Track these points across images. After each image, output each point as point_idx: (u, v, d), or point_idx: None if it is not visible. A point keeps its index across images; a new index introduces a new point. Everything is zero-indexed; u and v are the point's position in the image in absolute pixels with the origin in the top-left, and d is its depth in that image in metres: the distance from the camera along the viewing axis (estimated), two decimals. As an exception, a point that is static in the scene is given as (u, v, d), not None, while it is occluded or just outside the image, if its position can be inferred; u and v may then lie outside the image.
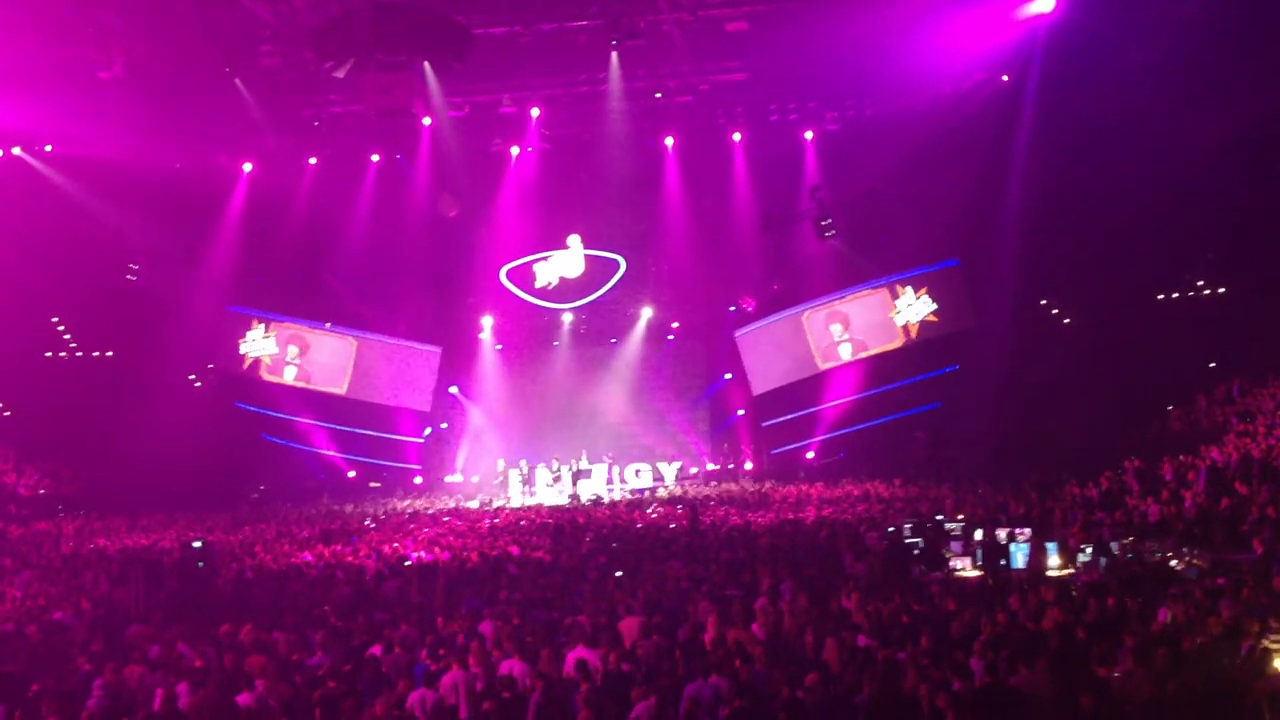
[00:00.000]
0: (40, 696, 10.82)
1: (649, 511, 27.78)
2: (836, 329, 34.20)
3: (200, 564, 19.43)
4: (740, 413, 36.39)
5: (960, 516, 21.67)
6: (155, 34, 25.34)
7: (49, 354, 36.79)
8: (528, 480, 34.36)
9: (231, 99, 28.90)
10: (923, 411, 33.11)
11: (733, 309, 36.26)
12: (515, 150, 33.44)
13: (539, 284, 36.40)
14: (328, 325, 36.63)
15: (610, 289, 36.47)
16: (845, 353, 34.10)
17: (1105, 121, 27.36)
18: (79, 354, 37.22)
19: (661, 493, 32.94)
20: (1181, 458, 23.19)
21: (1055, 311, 35.04)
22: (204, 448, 32.88)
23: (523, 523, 25.69)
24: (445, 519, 27.68)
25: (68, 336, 36.97)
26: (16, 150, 30.86)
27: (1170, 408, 29.57)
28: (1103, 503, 22.01)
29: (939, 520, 20.75)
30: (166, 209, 31.82)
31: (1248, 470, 20.81)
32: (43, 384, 33.97)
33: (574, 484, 33.14)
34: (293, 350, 36.38)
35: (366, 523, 27.32)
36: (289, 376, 36.22)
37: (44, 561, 21.79)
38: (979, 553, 18.31)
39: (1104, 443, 27.67)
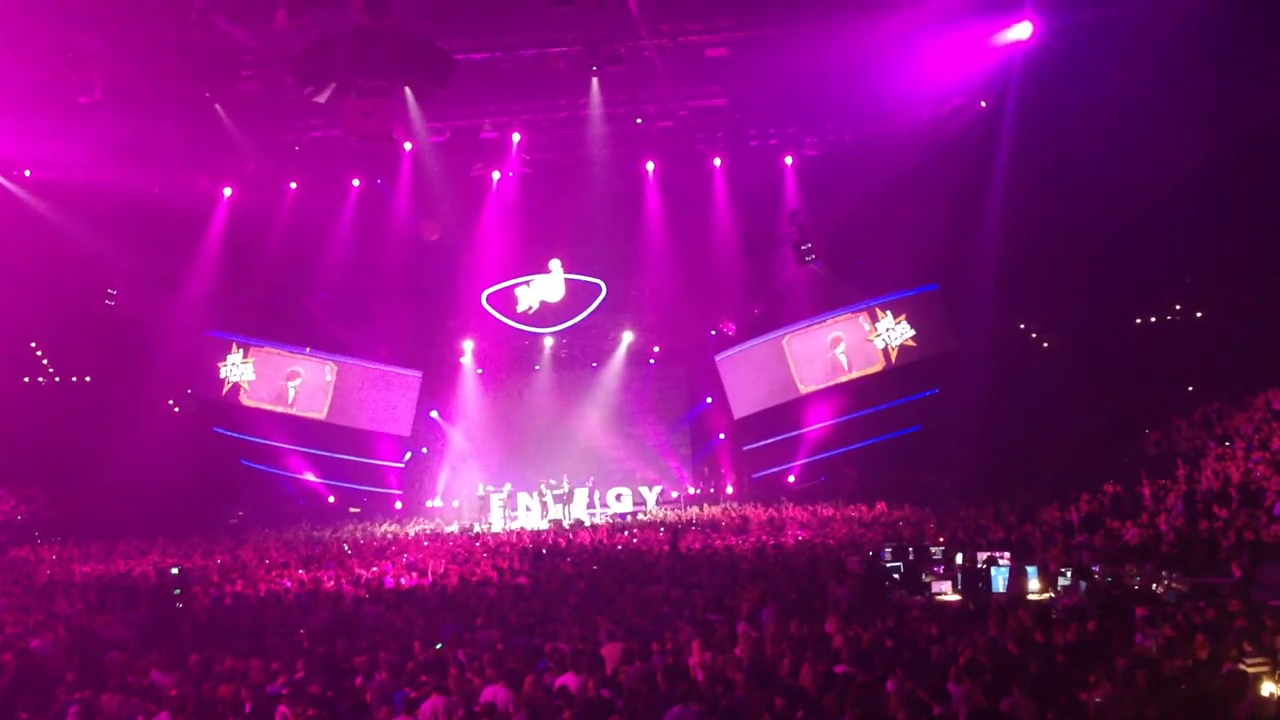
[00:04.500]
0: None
1: (629, 535, 27.76)
2: (821, 351, 34.34)
3: (178, 590, 19.33)
4: (721, 436, 36.41)
5: (941, 540, 21.74)
6: (135, 58, 25.21)
7: (26, 378, 36.61)
8: (507, 504, 34.39)
9: (212, 123, 28.75)
10: (903, 435, 33.20)
11: (713, 333, 36.32)
12: (496, 175, 33.38)
13: (520, 308, 36.39)
14: (308, 350, 36.56)
15: (591, 313, 36.47)
16: (825, 377, 34.19)
17: (1082, 146, 27.51)
18: (57, 378, 37.06)
19: (643, 517, 32.99)
20: (1161, 481, 23.31)
21: (1034, 335, 35.22)
22: (182, 473, 32.77)
23: (504, 548, 25.62)
24: (425, 544, 27.59)
25: (45, 361, 36.79)
26: (-6, 175, 30.76)
27: (1148, 431, 29.71)
28: (1083, 526, 22.09)
29: (922, 546, 20.77)
30: (146, 233, 31.77)
31: (1226, 493, 20.94)
32: (20, 408, 33.61)
33: (555, 507, 33.20)
34: (279, 376, 36.28)
35: (345, 548, 27.19)
36: (268, 401, 36.10)
37: (20, 588, 21.59)
38: (959, 577, 18.36)
39: (1084, 465, 27.79)
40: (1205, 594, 15.35)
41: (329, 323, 36.64)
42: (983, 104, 29.53)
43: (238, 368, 36.14)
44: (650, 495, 35.91)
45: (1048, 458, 30.23)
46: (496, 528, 31.98)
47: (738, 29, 25.77)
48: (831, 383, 34.25)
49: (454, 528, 32.08)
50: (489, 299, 36.41)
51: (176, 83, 26.61)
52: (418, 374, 36.32)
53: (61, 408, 35.08)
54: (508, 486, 34.95)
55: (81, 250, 31.34)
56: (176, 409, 37.48)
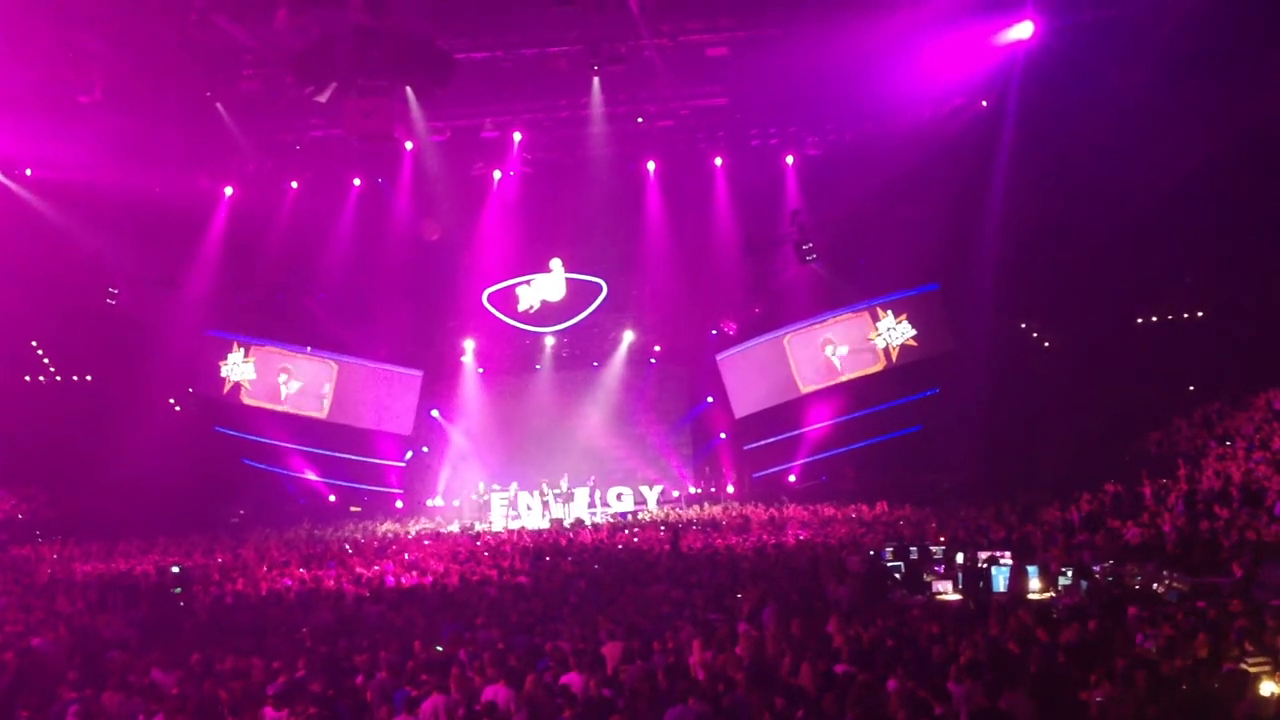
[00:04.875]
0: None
1: (630, 534, 27.75)
2: (818, 352, 34.34)
3: (178, 589, 19.35)
4: (722, 436, 36.39)
5: (942, 539, 21.74)
6: (135, 57, 25.25)
7: (27, 377, 36.61)
8: (510, 503, 34.44)
9: (212, 122, 28.79)
10: (904, 435, 33.20)
11: (714, 332, 36.24)
12: (497, 174, 33.35)
13: (521, 307, 36.39)
14: (308, 349, 36.56)
15: (592, 312, 36.47)
16: (826, 376, 34.18)
17: (1083, 146, 27.53)
18: (58, 377, 37.06)
19: (643, 516, 32.98)
20: (1162, 480, 23.30)
21: (1034, 335, 35.20)
22: (183, 472, 32.83)
23: (505, 547, 25.62)
24: (426, 543, 27.59)
25: (46, 360, 36.79)
26: (-5, 175, 30.76)
27: (1149, 431, 29.70)
28: (1084, 525, 22.08)
29: (923, 545, 20.77)
30: (146, 232, 31.77)
31: (1227, 493, 20.93)
32: (21, 407, 33.63)
33: (556, 507, 33.24)
34: (273, 374, 36.30)
35: (346, 547, 27.18)
36: (269, 400, 36.12)
37: (21, 587, 21.58)
38: (960, 576, 18.36)
39: (1085, 465, 27.80)
40: (1206, 594, 15.35)
41: (329, 322, 36.63)
42: (983, 104, 29.56)
43: (238, 367, 36.16)
44: (651, 495, 35.88)
45: (1048, 458, 30.27)
46: (497, 527, 31.97)
47: (738, 29, 25.78)
48: (832, 382, 34.23)
49: (454, 527, 32.07)
50: (490, 298, 36.41)
51: (176, 83, 26.67)
52: (418, 373, 36.34)
53: (62, 407, 35.06)
54: (513, 486, 34.98)
55: (81, 250, 31.33)
56: (177, 408, 37.46)
